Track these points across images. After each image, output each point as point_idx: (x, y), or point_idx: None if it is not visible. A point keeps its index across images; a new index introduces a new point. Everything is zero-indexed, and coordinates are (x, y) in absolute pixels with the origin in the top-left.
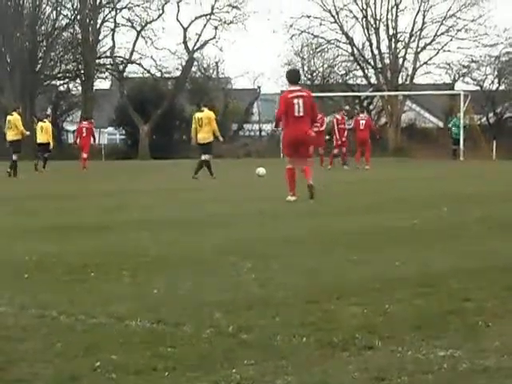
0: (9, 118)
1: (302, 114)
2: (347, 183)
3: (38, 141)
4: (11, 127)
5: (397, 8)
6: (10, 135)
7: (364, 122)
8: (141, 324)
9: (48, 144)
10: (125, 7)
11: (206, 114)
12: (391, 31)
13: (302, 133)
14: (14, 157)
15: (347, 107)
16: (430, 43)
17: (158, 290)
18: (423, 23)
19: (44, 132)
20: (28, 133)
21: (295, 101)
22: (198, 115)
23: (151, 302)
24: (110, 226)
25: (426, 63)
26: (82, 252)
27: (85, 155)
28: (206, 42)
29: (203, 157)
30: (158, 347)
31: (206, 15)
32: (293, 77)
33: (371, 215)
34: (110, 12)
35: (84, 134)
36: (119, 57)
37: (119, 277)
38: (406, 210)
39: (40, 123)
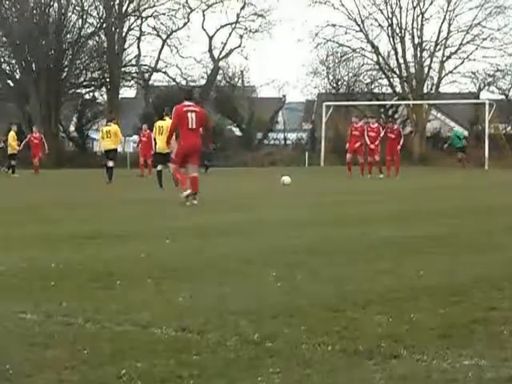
0: (107, 128)
1: (194, 126)
2: (369, 192)
3: (104, 148)
4: (110, 136)
5: (422, 17)
6: (108, 144)
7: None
8: (166, 332)
9: (115, 150)
10: (150, 16)
11: (167, 123)
12: (417, 40)
13: (195, 144)
14: (110, 163)
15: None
16: (455, 52)
17: (183, 298)
18: (449, 32)
19: (113, 136)
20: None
21: (189, 114)
22: (159, 124)
23: (176, 309)
24: (135, 234)
25: (451, 72)
26: (107, 260)
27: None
28: (231, 51)
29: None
30: (183, 355)
31: (232, 24)
32: (187, 95)
33: (395, 224)
34: (135, 20)
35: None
36: (145, 65)
37: (144, 284)
38: (429, 220)
39: (106, 127)
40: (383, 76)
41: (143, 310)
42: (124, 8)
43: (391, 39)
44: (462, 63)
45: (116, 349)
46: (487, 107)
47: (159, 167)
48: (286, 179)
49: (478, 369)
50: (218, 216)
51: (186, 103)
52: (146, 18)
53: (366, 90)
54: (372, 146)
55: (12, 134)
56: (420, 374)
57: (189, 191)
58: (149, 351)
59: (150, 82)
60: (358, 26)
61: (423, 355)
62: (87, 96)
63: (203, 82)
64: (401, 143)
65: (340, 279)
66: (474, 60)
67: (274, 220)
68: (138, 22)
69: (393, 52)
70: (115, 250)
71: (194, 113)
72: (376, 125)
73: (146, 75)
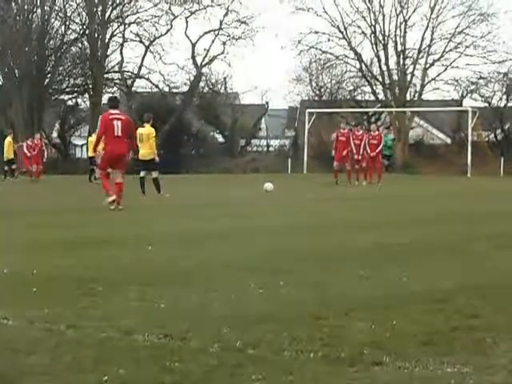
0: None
1: (120, 134)
2: (352, 199)
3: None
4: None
5: (405, 24)
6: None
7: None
8: (148, 338)
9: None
10: (133, 22)
11: (146, 130)
12: (400, 47)
13: (120, 150)
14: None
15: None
16: (438, 59)
17: (166, 305)
18: (432, 39)
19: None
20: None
21: (114, 122)
22: (139, 131)
23: (159, 316)
24: (118, 240)
25: (434, 79)
26: (90, 266)
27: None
28: (214, 58)
29: (153, 174)
30: (166, 362)
31: (215, 30)
32: (113, 103)
33: (379, 231)
34: (118, 27)
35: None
36: (127, 71)
37: (127, 291)
38: (414, 227)
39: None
40: (366, 83)
41: (126, 317)
42: (107, 14)
43: (374, 46)
44: (444, 70)
45: (98, 355)
46: (470, 114)
47: (142, 174)
48: (269, 186)
49: (460, 376)
50: (200, 223)
51: (112, 111)
52: (129, 24)
53: (348, 97)
54: (356, 156)
55: (8, 141)
56: (402, 381)
57: (113, 197)
58: (131, 358)
59: (133, 89)
60: (341, 33)
61: (406, 362)
62: (70, 102)
63: (186, 88)
64: (379, 148)
65: (323, 286)
66: (457, 67)
67: (257, 227)
68: (121, 28)
69: (376, 59)
70: (98, 256)
71: (119, 121)
72: (361, 132)
73: (129, 82)
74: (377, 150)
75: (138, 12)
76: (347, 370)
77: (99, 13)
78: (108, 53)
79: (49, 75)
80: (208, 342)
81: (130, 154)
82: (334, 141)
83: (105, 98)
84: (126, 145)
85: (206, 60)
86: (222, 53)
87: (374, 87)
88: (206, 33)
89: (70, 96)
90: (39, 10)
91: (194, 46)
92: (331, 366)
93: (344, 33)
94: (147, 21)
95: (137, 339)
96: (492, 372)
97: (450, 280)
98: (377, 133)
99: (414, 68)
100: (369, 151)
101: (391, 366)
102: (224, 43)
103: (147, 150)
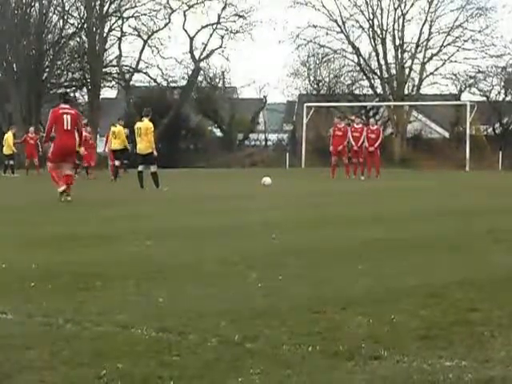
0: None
1: (69, 127)
2: (351, 193)
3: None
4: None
5: (403, 18)
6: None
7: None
8: (146, 332)
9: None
10: (131, 16)
11: (145, 124)
12: (398, 41)
13: (69, 144)
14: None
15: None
16: (436, 54)
17: (164, 299)
18: (430, 33)
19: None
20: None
21: (64, 116)
22: (137, 125)
23: (156, 310)
24: (115, 235)
25: (432, 74)
26: (87, 261)
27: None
28: (212, 52)
29: (151, 168)
30: (164, 356)
31: (213, 24)
32: (63, 98)
33: (375, 226)
34: (116, 21)
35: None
36: (126, 66)
37: (124, 285)
38: (412, 221)
39: (112, 128)
40: (364, 77)
41: (123, 311)
42: (105, 8)
43: (372, 41)
44: (443, 65)
45: (96, 349)
46: (468, 109)
47: (140, 168)
48: (267, 180)
49: (458, 370)
50: (199, 217)
51: (62, 106)
52: (127, 18)
53: (346, 91)
54: (355, 148)
55: (9, 135)
56: (400, 375)
57: (63, 187)
58: (129, 352)
59: (131, 83)
60: (339, 27)
61: (404, 356)
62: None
63: (184, 82)
64: (378, 142)
65: (321, 280)
66: (455, 61)
67: (255, 221)
68: (119, 22)
69: (374, 53)
70: (96, 250)
71: (69, 115)
72: (360, 125)
73: (127, 76)
74: (375, 145)
75: (136, 6)
76: (345, 363)
77: (97, 7)
78: (106, 47)
79: (47, 69)
80: (206, 336)
81: (81, 149)
82: (331, 136)
83: (103, 93)
84: (75, 138)
85: (204, 54)
86: (220, 47)
87: (372, 81)
88: (203, 27)
89: (69, 90)
90: (37, 4)
91: (192, 40)
92: (329, 359)
93: (342, 27)
94: (145, 15)
95: (135, 333)
96: (490, 366)
97: (448, 274)
98: (376, 127)
99: (412, 62)
100: (367, 145)
101: (389, 360)
102: (222, 37)
103: (145, 144)
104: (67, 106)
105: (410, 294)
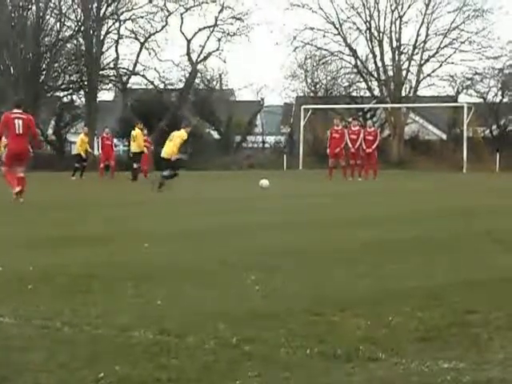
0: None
1: (21, 132)
2: (349, 195)
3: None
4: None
5: (400, 20)
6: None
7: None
8: (144, 335)
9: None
10: (128, 19)
11: (180, 132)
12: (395, 43)
13: (22, 147)
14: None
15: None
16: (433, 55)
17: (161, 301)
18: (427, 35)
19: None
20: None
21: (15, 121)
22: (174, 132)
23: (154, 313)
24: (114, 237)
25: (429, 75)
26: (86, 263)
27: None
28: (209, 54)
29: (164, 172)
30: (161, 358)
31: (210, 27)
32: (16, 103)
33: (373, 227)
34: (113, 23)
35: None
36: (123, 68)
37: (123, 288)
38: (408, 223)
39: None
40: (361, 79)
41: (121, 314)
42: (102, 11)
43: (369, 42)
44: (440, 66)
45: (94, 352)
46: (465, 110)
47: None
48: (264, 182)
49: (456, 372)
50: (196, 219)
51: (15, 110)
52: (124, 21)
53: (344, 93)
54: (352, 150)
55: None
56: (398, 377)
57: (17, 189)
58: (127, 354)
59: (128, 85)
60: (336, 29)
61: (401, 358)
62: (65, 99)
63: (181, 85)
64: (375, 144)
65: (319, 282)
66: (452, 63)
67: (253, 223)
68: (116, 25)
69: (371, 55)
70: (94, 253)
71: (20, 119)
72: (357, 127)
73: (124, 78)
74: (373, 147)
75: (133, 9)
76: (344, 366)
77: (94, 10)
78: (103, 49)
79: (44, 72)
80: (204, 338)
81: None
82: (328, 138)
83: (100, 95)
84: (28, 142)
85: (202, 57)
86: (218, 49)
87: (370, 83)
88: (201, 29)
89: (66, 93)
90: (34, 7)
91: (189, 42)
92: (328, 362)
93: (339, 29)
94: (142, 17)
95: (133, 336)
96: (488, 367)
97: (446, 275)
98: (373, 129)
99: (409, 64)
100: (364, 147)
101: (387, 362)
102: (219, 40)
103: (170, 149)
104: (19, 111)
105: (409, 295)
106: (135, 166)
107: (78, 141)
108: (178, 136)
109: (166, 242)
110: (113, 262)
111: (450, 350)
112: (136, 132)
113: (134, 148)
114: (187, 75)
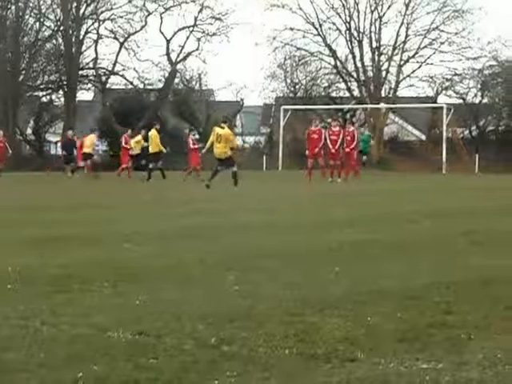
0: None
1: None
2: (328, 196)
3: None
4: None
5: (380, 21)
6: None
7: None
8: (123, 335)
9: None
10: (108, 19)
11: (226, 132)
12: (374, 44)
13: None
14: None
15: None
16: (413, 56)
17: (140, 302)
18: (406, 36)
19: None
20: None
21: None
22: (217, 131)
23: (133, 313)
24: (94, 237)
25: (408, 76)
26: (65, 263)
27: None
28: (188, 54)
29: (233, 169)
30: (140, 359)
31: (189, 27)
32: None
33: (353, 228)
34: (92, 23)
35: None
36: (102, 68)
37: (102, 288)
38: (388, 223)
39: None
40: (341, 80)
41: (100, 314)
42: (81, 11)
43: (349, 43)
44: (419, 67)
45: (73, 352)
46: (445, 111)
47: (219, 168)
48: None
49: (435, 372)
50: (177, 220)
51: None
52: (104, 20)
53: (323, 93)
54: (333, 151)
55: None
56: (377, 377)
57: None
58: (106, 355)
59: (108, 85)
60: (316, 29)
61: (380, 358)
62: (44, 99)
63: (161, 85)
64: (354, 144)
65: (298, 283)
66: (432, 64)
67: (233, 224)
68: (96, 24)
69: (350, 56)
70: (74, 253)
71: None
72: (337, 128)
73: (104, 78)
74: (351, 146)
75: (112, 8)
76: (322, 366)
77: (73, 9)
78: (82, 49)
79: (23, 72)
80: (183, 339)
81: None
82: (306, 138)
83: (79, 95)
84: None
85: (181, 57)
86: (197, 49)
87: (349, 84)
88: (180, 29)
89: (45, 93)
90: (13, 7)
91: (168, 42)
92: (306, 362)
93: (319, 29)
94: (122, 17)
95: (111, 336)
96: (467, 368)
97: (425, 276)
98: (352, 129)
99: (389, 65)
100: (345, 147)
101: (366, 363)
102: (199, 40)
103: (222, 149)
104: None
105: (388, 296)
106: (150, 166)
107: (87, 140)
108: (226, 137)
109: (146, 242)
110: (92, 262)
111: (429, 351)
112: (152, 133)
113: (151, 148)
114: (166, 75)
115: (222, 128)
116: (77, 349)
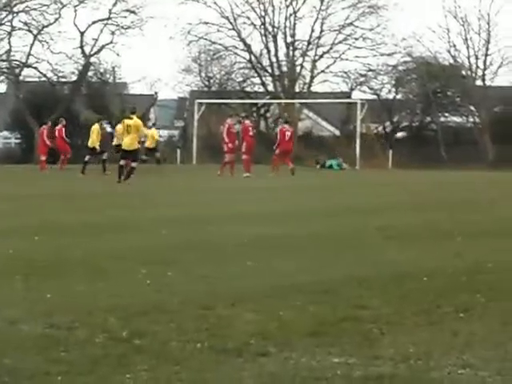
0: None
1: None
2: (249, 191)
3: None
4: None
5: (295, 16)
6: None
7: (289, 133)
8: (34, 328)
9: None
10: (22, 11)
11: (135, 122)
12: (289, 39)
13: None
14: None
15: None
16: (327, 51)
17: (51, 295)
18: (321, 31)
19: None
20: None
21: None
22: (126, 122)
23: (45, 306)
24: (2, 229)
25: (323, 71)
26: None
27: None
28: (102, 47)
29: (133, 164)
30: (51, 351)
31: (103, 20)
32: None
33: (270, 223)
34: (6, 15)
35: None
36: (15, 60)
37: (12, 281)
38: (303, 219)
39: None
40: (255, 74)
41: (11, 306)
42: None
43: (264, 38)
44: (334, 63)
45: None
46: (359, 106)
47: (121, 162)
48: None
49: (346, 367)
50: (87, 214)
51: None
52: (18, 12)
53: (238, 88)
54: (244, 150)
55: None
56: (288, 371)
57: None
58: (16, 347)
59: (21, 78)
60: (231, 24)
61: (292, 353)
62: None
63: (74, 77)
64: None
65: (211, 277)
66: (347, 60)
67: (146, 217)
68: (9, 16)
69: (265, 50)
70: None
71: None
72: (248, 123)
73: (17, 70)
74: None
75: (26, 1)
76: (234, 360)
77: None
78: None
79: None
80: (94, 332)
81: None
82: (223, 133)
83: None
84: None
85: (95, 49)
86: (111, 42)
87: (264, 78)
88: (94, 22)
89: None
90: None
91: (82, 35)
92: (218, 356)
93: (234, 24)
94: (36, 9)
95: (22, 329)
96: (379, 363)
97: (338, 271)
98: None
99: (304, 60)
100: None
101: (278, 357)
102: (113, 33)
103: (131, 140)
104: None
105: (300, 290)
106: (86, 158)
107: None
108: (136, 127)
109: (59, 235)
110: (2, 254)
111: (340, 345)
112: (152, 132)
113: (148, 144)
114: (80, 68)
115: (131, 119)
116: None
